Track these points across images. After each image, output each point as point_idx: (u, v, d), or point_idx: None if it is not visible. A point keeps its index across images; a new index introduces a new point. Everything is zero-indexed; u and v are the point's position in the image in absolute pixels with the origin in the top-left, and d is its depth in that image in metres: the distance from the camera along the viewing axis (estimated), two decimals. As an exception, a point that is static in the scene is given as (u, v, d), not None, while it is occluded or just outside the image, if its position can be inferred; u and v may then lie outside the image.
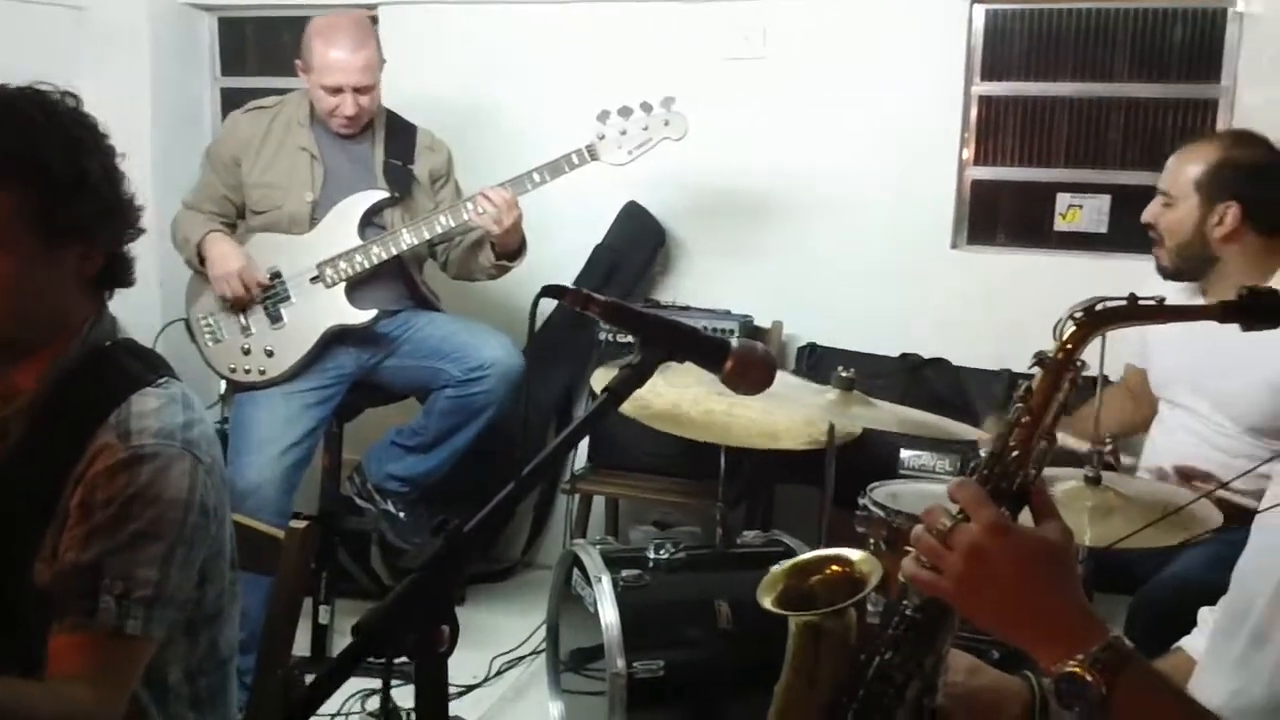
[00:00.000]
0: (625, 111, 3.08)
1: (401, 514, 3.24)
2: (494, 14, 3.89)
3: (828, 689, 1.19)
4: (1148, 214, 2.48)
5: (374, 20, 3.92)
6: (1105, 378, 2.79)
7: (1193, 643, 1.35)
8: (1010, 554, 1.01)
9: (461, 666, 3.06)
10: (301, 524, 1.64)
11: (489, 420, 3.11)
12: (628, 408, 2.49)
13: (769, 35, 3.63)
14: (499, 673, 3.16)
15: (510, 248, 3.12)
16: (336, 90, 3.04)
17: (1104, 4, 3.43)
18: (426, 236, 3.06)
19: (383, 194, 3.12)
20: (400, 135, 3.24)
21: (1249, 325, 1.04)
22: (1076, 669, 0.97)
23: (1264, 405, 2.33)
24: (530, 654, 3.20)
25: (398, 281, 3.22)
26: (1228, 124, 3.29)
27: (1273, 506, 1.17)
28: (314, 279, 3.06)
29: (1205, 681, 1.19)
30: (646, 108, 3.08)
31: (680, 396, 2.60)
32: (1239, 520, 1.87)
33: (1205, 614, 1.36)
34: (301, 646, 2.98)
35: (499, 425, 3.15)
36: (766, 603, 1.25)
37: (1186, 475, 2.36)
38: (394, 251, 3.06)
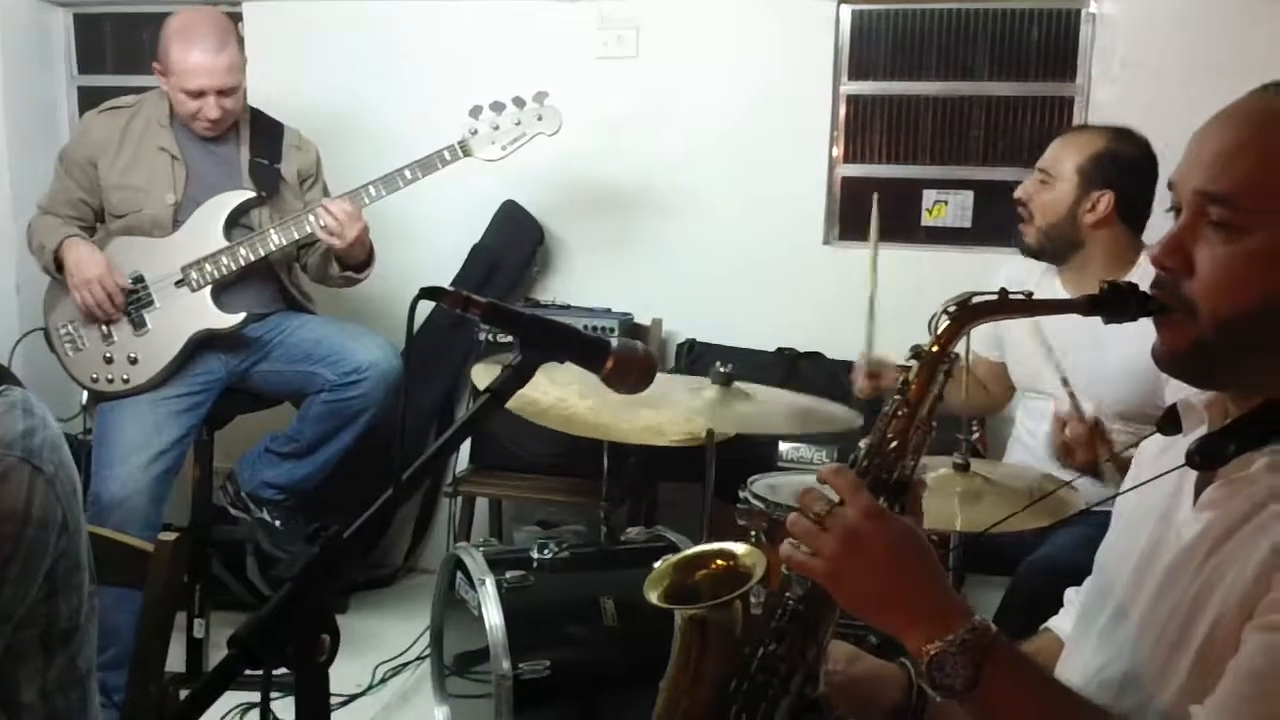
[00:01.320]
0: (498, 107, 3.06)
1: (278, 522, 3.16)
2: (363, 10, 3.83)
3: (713, 682, 1.20)
4: (1021, 190, 2.55)
5: (238, 17, 3.82)
6: (969, 369, 2.89)
7: (1059, 623, 1.41)
8: (883, 538, 1.04)
9: (345, 675, 3.02)
10: (171, 536, 1.59)
11: (367, 424, 3.05)
12: (514, 406, 2.50)
13: (641, 35, 3.65)
14: (383, 680, 3.12)
15: (355, 260, 3.06)
16: (199, 94, 2.94)
17: (965, 5, 3.54)
18: (295, 237, 2.98)
19: (249, 194, 3.04)
20: (266, 134, 3.16)
21: (1111, 318, 1.09)
22: (945, 651, 1.00)
23: (1130, 392, 2.43)
24: (415, 660, 3.17)
25: (267, 283, 3.14)
26: (1083, 121, 3.43)
27: (1133, 488, 1.22)
28: (179, 283, 2.97)
29: (1072, 659, 1.24)
30: (519, 103, 3.07)
31: (565, 393, 2.60)
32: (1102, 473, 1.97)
33: (1071, 594, 1.42)
34: (176, 662, 2.89)
35: (377, 429, 3.10)
36: (653, 598, 1.26)
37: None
38: (262, 253, 2.98)
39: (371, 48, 3.82)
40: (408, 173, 2.99)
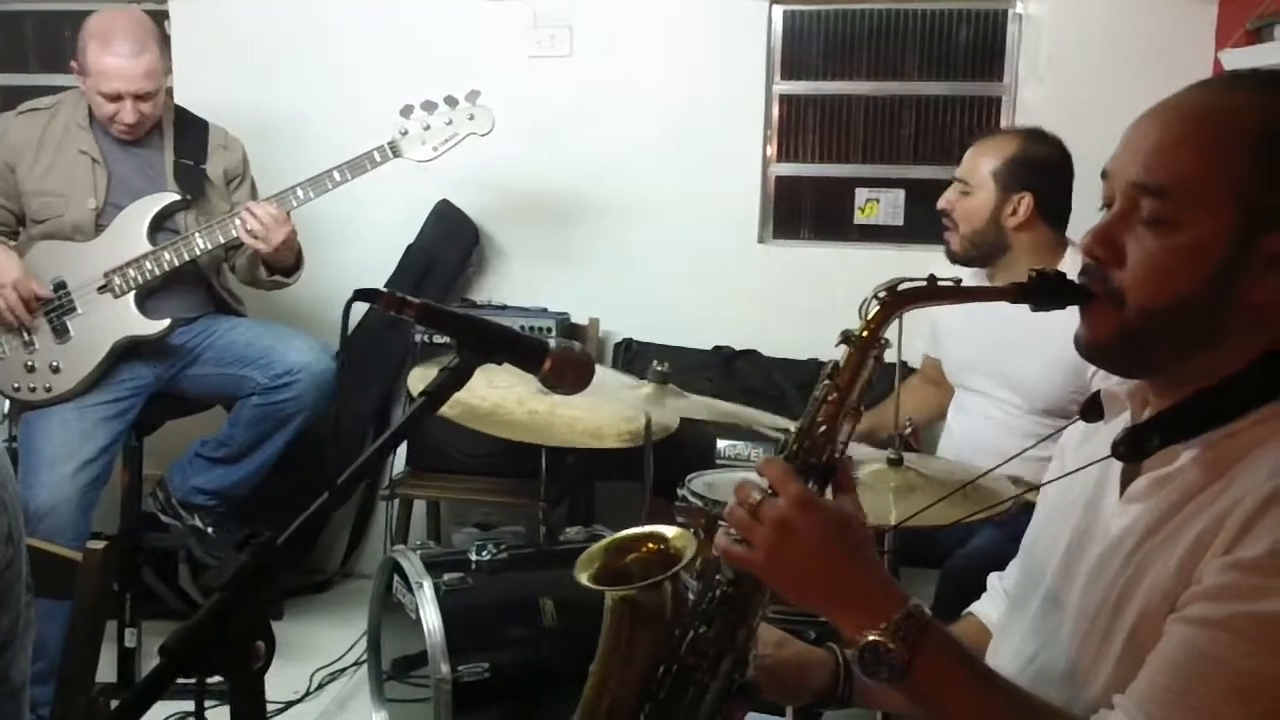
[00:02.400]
0: (429, 106, 3.03)
1: (210, 529, 3.11)
2: (292, 8, 3.78)
3: (643, 664, 1.20)
4: (944, 201, 2.58)
5: (164, 15, 3.76)
6: (904, 364, 2.94)
7: (982, 608, 1.43)
8: (815, 527, 1.05)
9: (281, 682, 2.99)
10: (100, 544, 1.55)
11: (299, 427, 3.01)
12: (453, 413, 2.48)
13: (575, 34, 3.64)
14: (320, 686, 3.09)
15: (283, 264, 3.02)
16: (115, 97, 2.87)
17: (894, 5, 3.59)
18: (221, 241, 2.93)
19: (173, 196, 2.97)
20: (191, 134, 3.10)
21: (1038, 305, 1.11)
22: (879, 637, 1.01)
23: (1050, 385, 2.47)
24: (352, 665, 3.14)
25: (195, 287, 3.09)
26: (1010, 120, 3.49)
27: (1058, 478, 1.24)
28: (101, 288, 2.90)
29: (1003, 646, 1.26)
30: (451, 102, 3.05)
31: (504, 397, 2.59)
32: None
33: (994, 580, 1.44)
34: (108, 672, 2.85)
35: (311, 432, 3.06)
36: (583, 579, 1.26)
37: None
38: (187, 257, 2.92)
39: (301, 46, 3.78)
40: (337, 174, 2.95)
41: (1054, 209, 2.51)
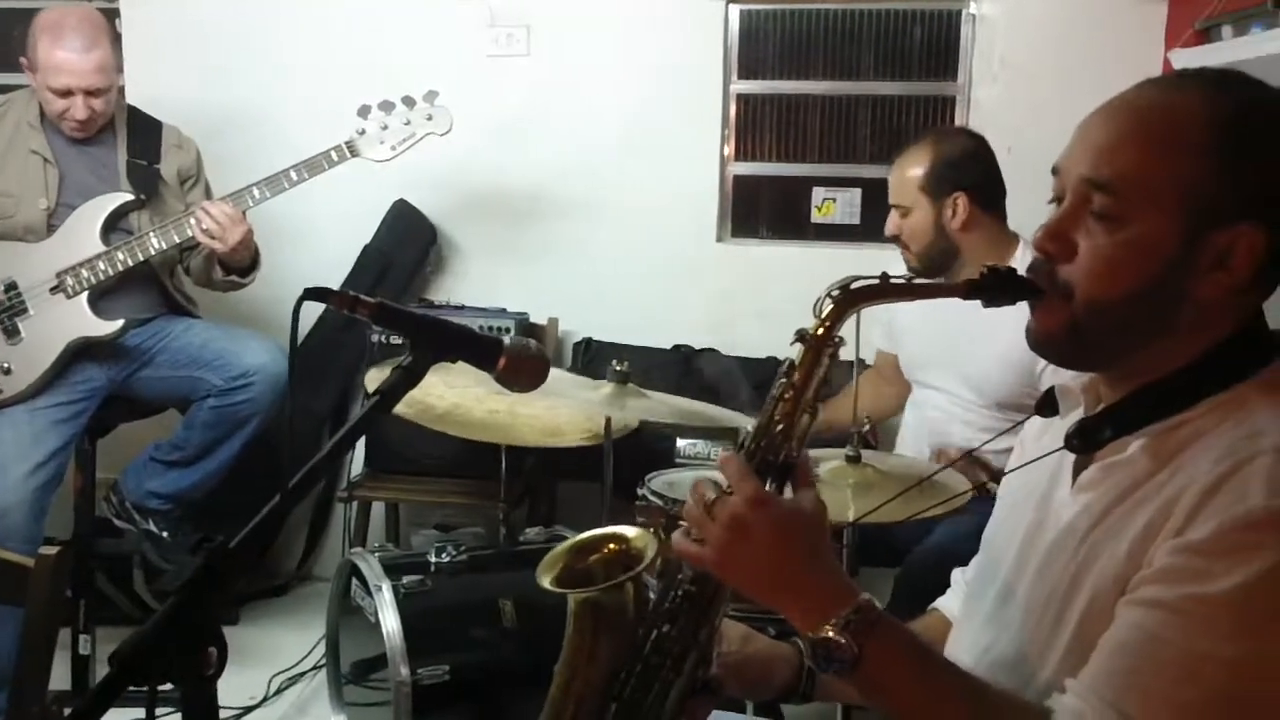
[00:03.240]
0: (387, 106, 3.01)
1: (165, 533, 3.08)
2: (247, 6, 3.74)
3: (607, 664, 1.20)
4: (889, 228, 2.60)
5: (115, 14, 3.71)
6: (861, 361, 2.95)
7: (946, 603, 1.45)
8: (769, 524, 1.05)
9: (239, 687, 2.97)
10: (53, 550, 1.53)
11: (255, 430, 2.99)
12: (410, 413, 2.47)
13: (532, 33, 3.63)
14: (278, 691, 3.06)
15: (239, 264, 2.99)
16: (66, 93, 2.84)
17: (850, 5, 3.61)
18: (176, 241, 2.90)
19: (126, 196, 2.94)
20: (144, 133, 3.06)
21: (990, 301, 1.12)
22: (830, 632, 1.02)
23: (1005, 380, 2.50)
24: (311, 669, 3.11)
25: (148, 288, 3.05)
26: (964, 120, 3.53)
27: (1017, 468, 1.26)
28: (54, 289, 2.86)
29: (960, 640, 1.28)
30: (409, 102, 3.03)
31: (462, 397, 2.58)
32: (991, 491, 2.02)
33: (957, 575, 1.46)
34: (61, 680, 2.81)
35: (267, 435, 3.03)
36: (546, 582, 1.26)
37: (941, 455, 2.51)
38: (141, 257, 2.89)
39: (256, 44, 3.74)
40: (293, 174, 2.93)
41: (988, 197, 2.54)
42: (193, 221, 2.87)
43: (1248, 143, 1.03)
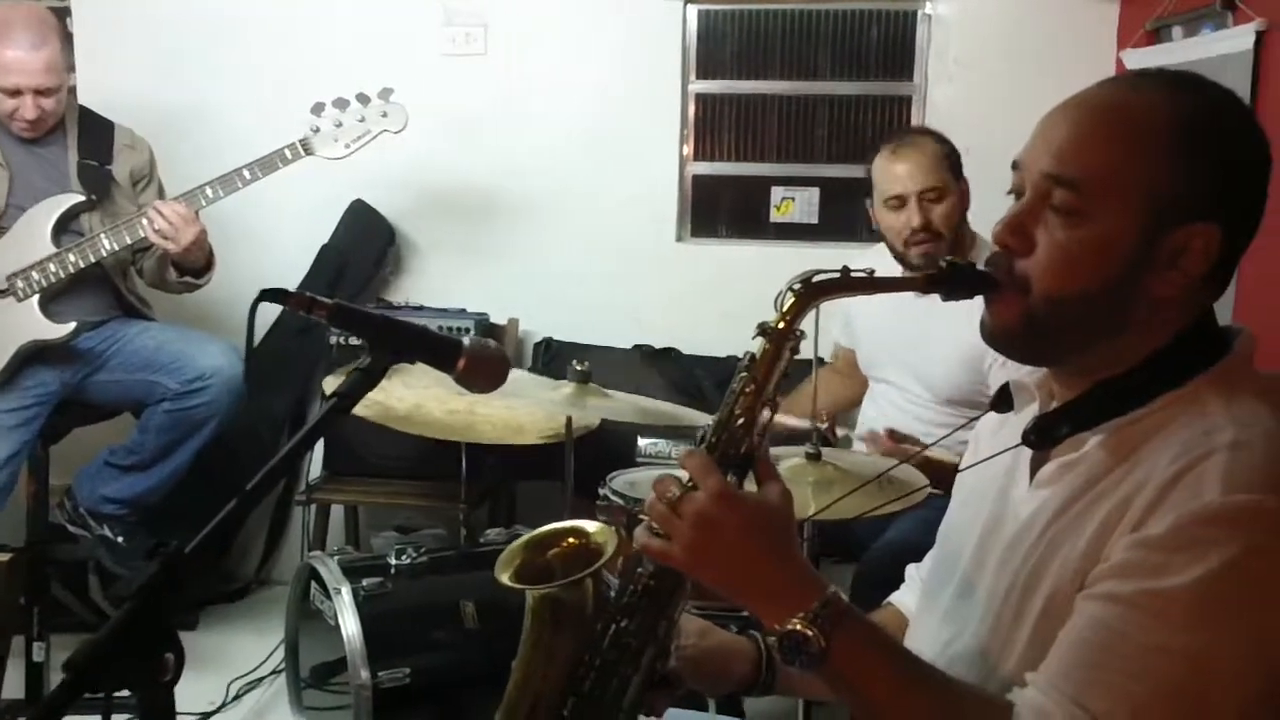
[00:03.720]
0: (341, 104, 2.99)
1: (120, 539, 3.04)
2: (198, 4, 3.70)
3: (566, 659, 1.20)
4: (913, 219, 2.47)
5: (66, 12, 3.65)
6: (822, 360, 2.96)
7: (902, 597, 1.46)
8: (735, 520, 1.06)
9: (197, 693, 2.94)
10: (6, 557, 1.51)
11: (212, 433, 2.96)
12: (371, 413, 2.45)
13: (489, 32, 3.62)
14: (238, 696, 3.03)
15: (193, 265, 2.95)
16: (14, 92, 2.79)
17: (807, 6, 3.62)
18: (128, 242, 2.86)
19: (78, 197, 2.90)
20: (95, 134, 3.02)
21: (949, 295, 1.13)
22: (798, 626, 1.02)
23: (957, 378, 2.53)
24: (270, 674, 3.08)
25: (101, 290, 3.01)
26: (921, 119, 3.55)
27: (973, 465, 1.27)
28: (4, 292, 2.81)
29: (919, 633, 1.28)
30: (363, 99, 3.01)
31: (422, 397, 2.57)
32: (946, 487, 2.04)
33: (912, 570, 1.47)
34: (16, 688, 2.77)
35: (224, 438, 3.00)
36: (504, 578, 1.25)
37: (894, 437, 2.51)
38: (93, 259, 2.85)
39: (209, 43, 3.70)
40: (246, 172, 2.90)
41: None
42: (145, 222, 2.83)
43: (1206, 143, 1.05)
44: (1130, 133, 1.06)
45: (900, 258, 2.56)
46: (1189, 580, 0.93)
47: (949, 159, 2.52)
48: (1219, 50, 2.59)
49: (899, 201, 2.51)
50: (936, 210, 2.49)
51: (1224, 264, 1.07)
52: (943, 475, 1.91)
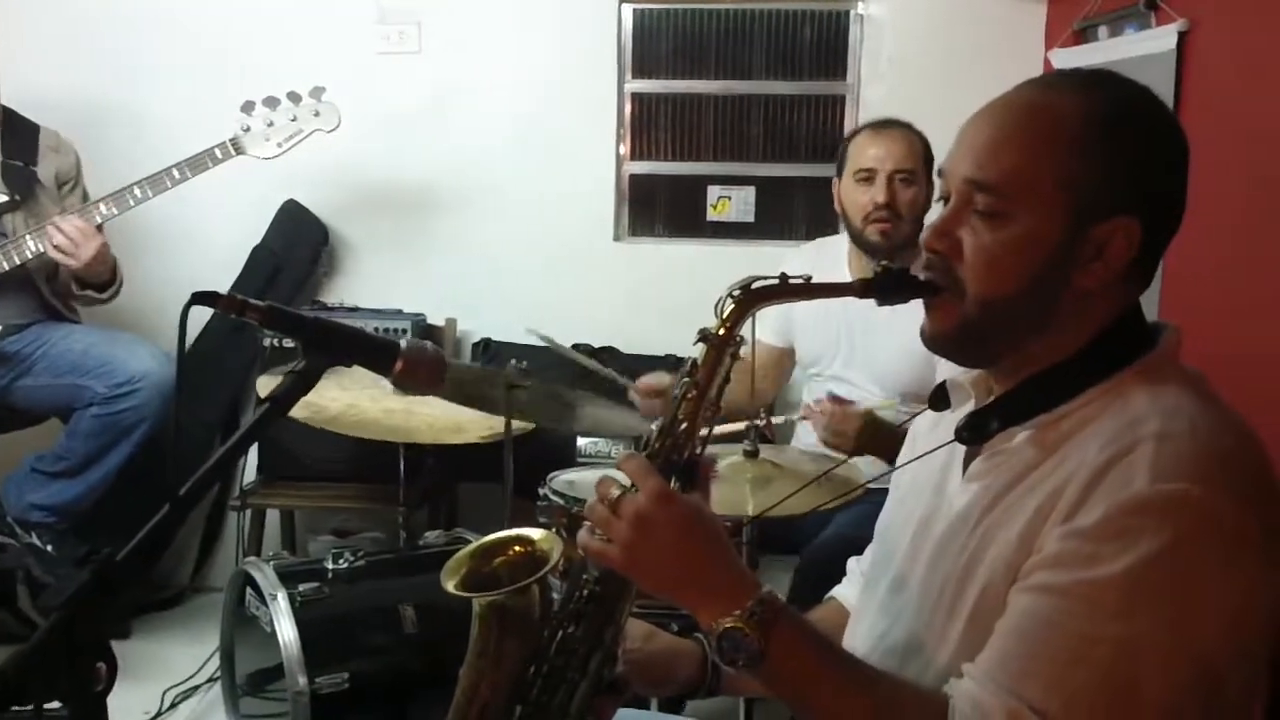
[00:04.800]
0: (272, 102, 2.95)
1: (49, 547, 2.98)
2: (127, 1, 3.62)
3: (512, 666, 1.20)
4: (879, 195, 2.49)
5: (-14, 9, 3.57)
6: (754, 367, 2.98)
7: (843, 591, 1.48)
8: (673, 521, 1.07)
9: (132, 703, 2.88)
10: (-73, 569, 1.47)
11: (142, 438, 2.91)
12: (305, 416, 2.42)
13: (424, 30, 3.60)
14: (173, 705, 2.98)
15: (96, 279, 2.90)
16: None
17: (741, 5, 3.64)
18: (44, 249, 2.80)
19: (1, 198, 2.83)
20: (20, 135, 2.97)
21: (884, 300, 1.14)
22: (734, 624, 1.03)
23: (906, 371, 2.55)
24: (206, 682, 3.03)
25: (25, 293, 2.95)
26: (854, 119, 3.59)
27: (909, 462, 1.29)
28: (-75, 295, 2.75)
29: (858, 626, 1.30)
30: (295, 98, 2.98)
31: (356, 397, 2.54)
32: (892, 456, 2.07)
33: (852, 564, 1.49)
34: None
35: (154, 443, 2.95)
36: (450, 587, 1.25)
37: (837, 401, 2.51)
38: (17, 260, 2.79)
39: (137, 41, 3.62)
40: (175, 172, 2.86)
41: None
42: (45, 238, 2.78)
43: (1122, 139, 1.07)
44: (1045, 132, 1.08)
45: (856, 236, 2.58)
46: (1120, 569, 0.95)
47: (925, 155, 2.55)
48: (1143, 50, 2.64)
49: (868, 175, 2.53)
50: (903, 193, 2.52)
51: (1147, 258, 1.10)
52: (891, 442, 1.91)
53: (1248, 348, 2.12)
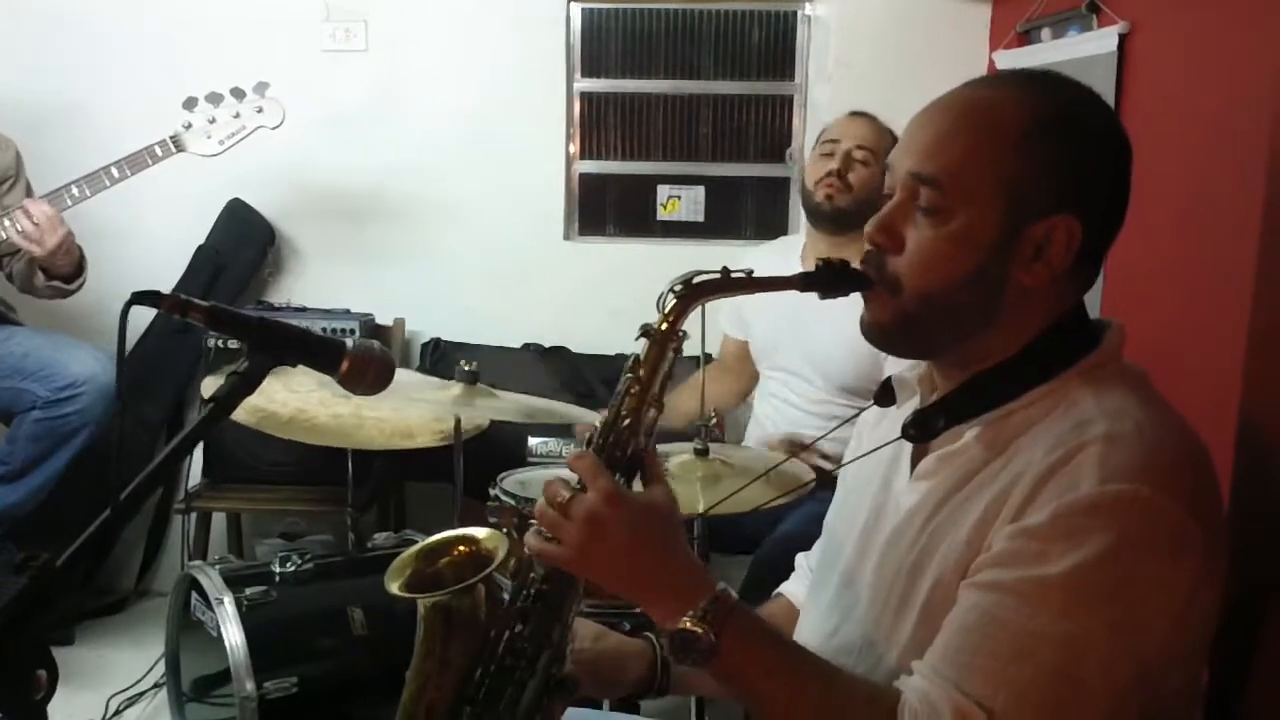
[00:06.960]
0: (214, 99, 2.90)
1: (-13, 554, 2.91)
2: (64, -3, 3.56)
3: (460, 668, 1.20)
4: (835, 162, 2.61)
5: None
6: (709, 355, 2.99)
7: (792, 588, 1.49)
8: (624, 520, 1.07)
9: (75, 710, 2.83)
10: None
11: (84, 442, 2.85)
12: (252, 421, 2.39)
13: (370, 28, 3.57)
14: (118, 712, 2.93)
15: (61, 269, 2.85)
16: None
17: (689, 5, 3.65)
18: (-7, 243, 2.75)
19: (-63, 196, 2.78)
20: (-42, 131, 2.90)
21: (825, 294, 1.15)
22: (688, 624, 1.04)
23: (848, 364, 2.57)
24: (151, 688, 2.99)
25: (-36, 295, 2.89)
26: (802, 119, 3.61)
27: (855, 459, 1.30)
28: None
29: (807, 623, 1.31)
30: (238, 94, 2.93)
31: (305, 401, 2.51)
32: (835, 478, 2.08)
33: (800, 560, 1.50)
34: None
35: (97, 447, 2.90)
36: (394, 588, 1.24)
37: (793, 443, 2.55)
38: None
39: (76, 35, 3.56)
40: (114, 170, 2.80)
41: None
42: (7, 223, 2.71)
43: (1062, 138, 1.09)
44: (985, 129, 1.09)
45: (807, 203, 2.69)
46: (1067, 567, 0.96)
47: (890, 145, 2.56)
48: (1085, 52, 2.68)
49: (831, 147, 2.66)
50: (859, 170, 2.63)
51: (1090, 256, 1.11)
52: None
53: (1189, 344, 2.16)
